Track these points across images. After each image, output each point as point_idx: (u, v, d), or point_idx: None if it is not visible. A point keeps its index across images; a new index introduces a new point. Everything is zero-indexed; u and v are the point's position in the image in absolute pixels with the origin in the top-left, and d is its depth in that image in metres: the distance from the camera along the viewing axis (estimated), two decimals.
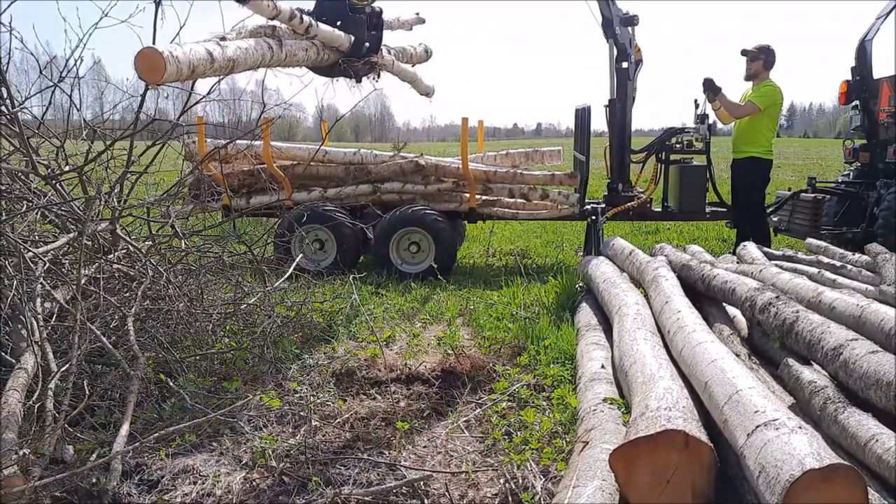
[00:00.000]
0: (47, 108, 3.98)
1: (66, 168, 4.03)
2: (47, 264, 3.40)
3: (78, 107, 4.03)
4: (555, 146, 8.32)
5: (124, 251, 4.08)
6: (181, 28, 3.82)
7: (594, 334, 3.87)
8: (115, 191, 4.02)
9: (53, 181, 3.90)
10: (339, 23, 5.22)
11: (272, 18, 4.68)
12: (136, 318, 3.55)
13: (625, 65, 6.65)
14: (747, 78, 6.68)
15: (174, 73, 3.32)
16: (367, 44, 5.28)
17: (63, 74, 3.84)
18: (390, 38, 6.33)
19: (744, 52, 6.65)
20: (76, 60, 3.83)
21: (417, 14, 7.03)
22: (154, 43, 3.37)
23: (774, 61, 6.62)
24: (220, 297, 4.37)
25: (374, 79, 5.62)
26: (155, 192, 4.65)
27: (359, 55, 5.22)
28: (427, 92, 7.38)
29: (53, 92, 3.92)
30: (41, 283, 3.27)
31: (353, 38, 5.24)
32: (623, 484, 2.04)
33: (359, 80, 5.54)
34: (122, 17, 3.70)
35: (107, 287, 3.72)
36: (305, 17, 4.82)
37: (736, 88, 7.17)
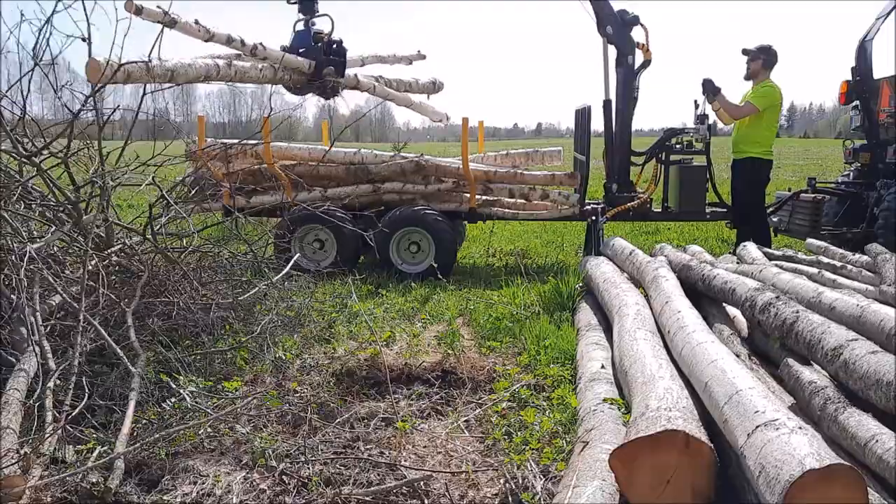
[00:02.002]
0: (28, 95, 4.01)
1: (44, 145, 4.08)
2: (46, 257, 3.41)
3: (56, 87, 4.11)
4: (555, 146, 8.32)
5: (121, 245, 4.11)
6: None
7: (594, 334, 3.88)
8: (101, 173, 4.06)
9: (37, 160, 3.93)
10: (302, 50, 6.19)
11: (207, 41, 5.33)
12: (136, 314, 3.56)
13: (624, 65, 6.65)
14: (747, 77, 6.68)
15: (109, 76, 4.14)
16: (331, 67, 6.20)
17: (39, 59, 3.89)
18: (392, 70, 7.46)
19: (744, 52, 6.65)
20: (44, 45, 3.96)
21: (419, 51, 7.71)
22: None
23: (775, 61, 6.62)
24: (221, 292, 4.37)
25: (334, 98, 6.58)
26: (151, 174, 4.68)
27: (320, 77, 6.16)
28: (440, 119, 8.14)
29: (31, 78, 3.98)
30: (43, 275, 3.28)
31: (312, 62, 6.13)
32: (623, 484, 2.04)
33: (326, 98, 6.48)
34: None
35: (105, 281, 3.73)
36: (249, 42, 5.59)
37: (736, 88, 7.17)
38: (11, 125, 3.95)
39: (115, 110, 4.35)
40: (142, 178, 4.55)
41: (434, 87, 7.66)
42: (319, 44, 6.21)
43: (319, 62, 6.15)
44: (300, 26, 6.35)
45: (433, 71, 7.76)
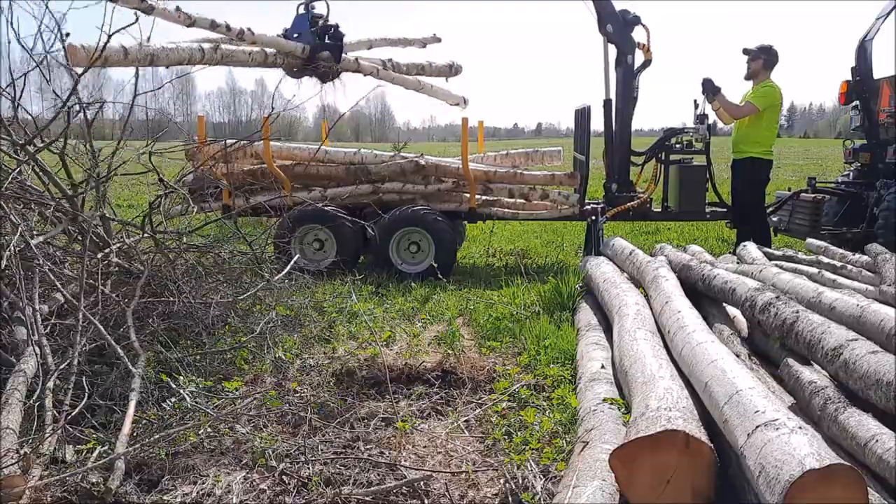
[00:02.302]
0: (22, 91, 4.00)
1: (41, 144, 4.08)
2: (48, 264, 3.41)
3: (48, 80, 4.13)
4: (555, 146, 8.32)
5: (120, 243, 4.10)
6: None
7: (594, 334, 3.88)
8: (96, 164, 4.07)
9: (31, 149, 3.93)
10: (297, 35, 6.30)
11: (189, 27, 5.47)
12: (136, 314, 3.55)
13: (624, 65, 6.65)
14: (747, 77, 6.68)
15: (85, 59, 4.33)
16: (326, 52, 6.29)
17: (41, 57, 3.90)
18: (405, 54, 7.42)
19: (745, 52, 6.66)
20: (48, 45, 3.98)
21: (434, 34, 7.60)
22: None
23: (775, 62, 6.62)
24: (221, 291, 4.37)
25: (333, 82, 6.65)
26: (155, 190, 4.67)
27: (314, 61, 6.25)
28: (457, 102, 7.91)
29: (26, 77, 3.97)
30: (44, 270, 3.27)
31: (307, 46, 6.24)
32: (623, 484, 2.04)
33: (324, 81, 6.55)
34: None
35: (105, 281, 3.73)
36: (235, 26, 5.74)
37: (737, 88, 7.17)
38: (9, 121, 3.95)
39: (103, 103, 4.40)
40: (138, 166, 4.53)
41: (451, 70, 7.46)
42: (314, 28, 6.32)
43: (314, 46, 6.24)
44: (301, 10, 6.44)
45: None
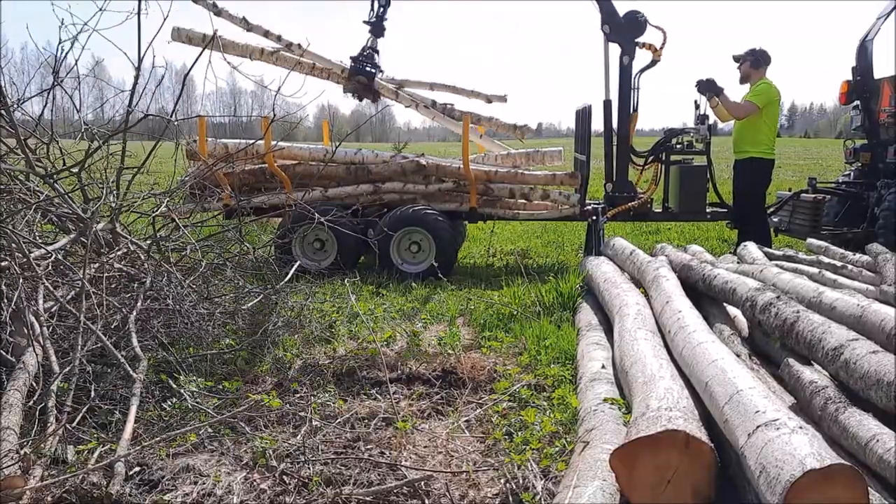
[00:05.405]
0: (44, 108, 3.97)
1: (62, 168, 4.04)
2: (49, 265, 3.40)
3: (78, 108, 4.05)
4: (555, 146, 8.31)
5: (125, 250, 4.08)
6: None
7: (595, 334, 3.88)
8: (113, 188, 4.04)
9: (51, 181, 3.90)
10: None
11: (247, 31, 6.86)
12: (138, 318, 3.55)
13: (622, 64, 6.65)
14: (741, 81, 6.75)
15: (183, 39, 6.33)
16: (361, 77, 7.05)
17: (59, 74, 3.84)
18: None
19: (734, 58, 6.76)
20: (75, 60, 3.89)
21: (504, 95, 7.65)
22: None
23: (764, 61, 6.65)
24: (223, 295, 4.37)
25: (374, 100, 7.35)
26: (159, 187, 4.66)
27: (352, 80, 7.12)
28: (506, 152, 7.72)
29: (52, 92, 3.92)
30: (43, 283, 3.27)
31: (346, 67, 7.10)
32: (624, 484, 2.04)
33: (359, 99, 7.30)
34: (121, 19, 3.83)
35: (108, 287, 3.72)
36: (285, 39, 7.01)
37: (736, 91, 7.15)
38: (25, 135, 3.89)
39: (144, 116, 4.29)
40: (152, 202, 4.51)
41: (515, 130, 7.44)
42: (359, 55, 7.10)
43: (352, 69, 7.05)
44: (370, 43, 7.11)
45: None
